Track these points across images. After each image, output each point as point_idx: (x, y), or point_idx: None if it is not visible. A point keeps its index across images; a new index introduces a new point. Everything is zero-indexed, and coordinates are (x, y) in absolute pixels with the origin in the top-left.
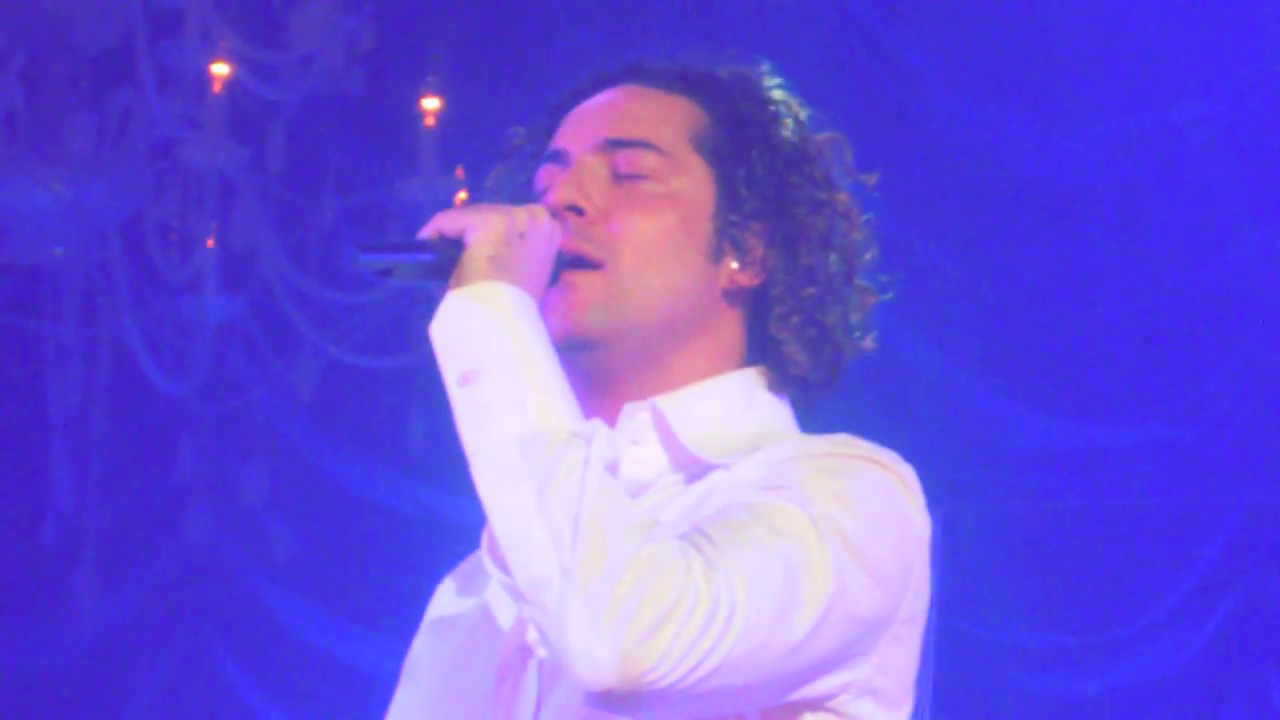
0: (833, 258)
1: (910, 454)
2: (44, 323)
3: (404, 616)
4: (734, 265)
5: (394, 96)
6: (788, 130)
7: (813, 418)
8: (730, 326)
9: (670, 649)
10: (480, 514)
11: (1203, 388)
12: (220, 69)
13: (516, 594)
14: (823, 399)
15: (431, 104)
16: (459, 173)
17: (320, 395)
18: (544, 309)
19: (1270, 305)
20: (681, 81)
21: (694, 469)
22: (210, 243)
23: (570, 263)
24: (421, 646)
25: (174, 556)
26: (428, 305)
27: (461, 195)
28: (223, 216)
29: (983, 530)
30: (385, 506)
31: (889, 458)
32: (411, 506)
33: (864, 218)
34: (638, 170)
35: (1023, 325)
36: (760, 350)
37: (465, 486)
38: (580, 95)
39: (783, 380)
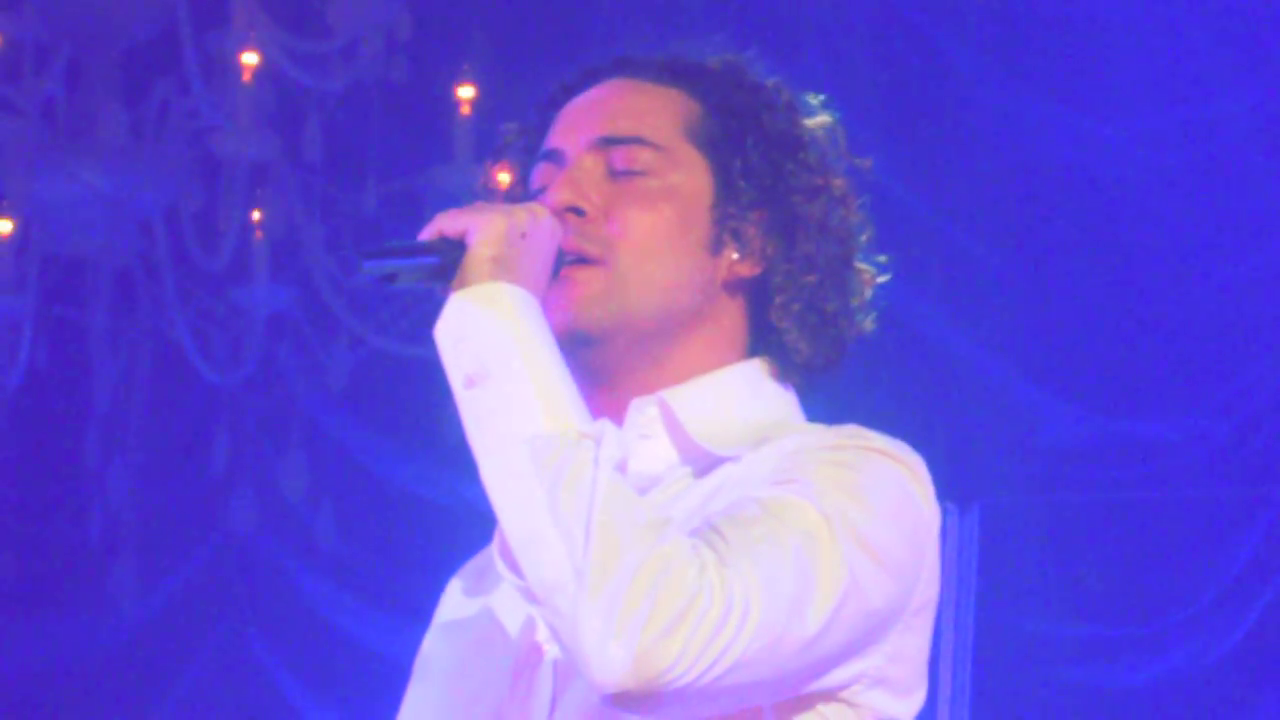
0: (830, 240)
1: (949, 447)
2: (88, 314)
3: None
4: (734, 256)
5: (429, 85)
6: (780, 117)
7: (842, 409)
8: (731, 317)
9: (686, 649)
10: None
11: (1240, 381)
12: (250, 58)
13: (530, 596)
14: (858, 392)
15: (467, 92)
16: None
17: (360, 386)
18: (545, 305)
19: None
20: (672, 72)
21: (703, 462)
22: (259, 234)
23: (571, 261)
24: (432, 645)
25: (212, 549)
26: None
27: (504, 177)
28: (258, 206)
29: (1020, 523)
30: (425, 498)
31: (897, 448)
32: (451, 498)
33: (860, 199)
34: (634, 167)
35: (1061, 318)
36: (762, 339)
37: None
38: (571, 90)
39: (785, 368)
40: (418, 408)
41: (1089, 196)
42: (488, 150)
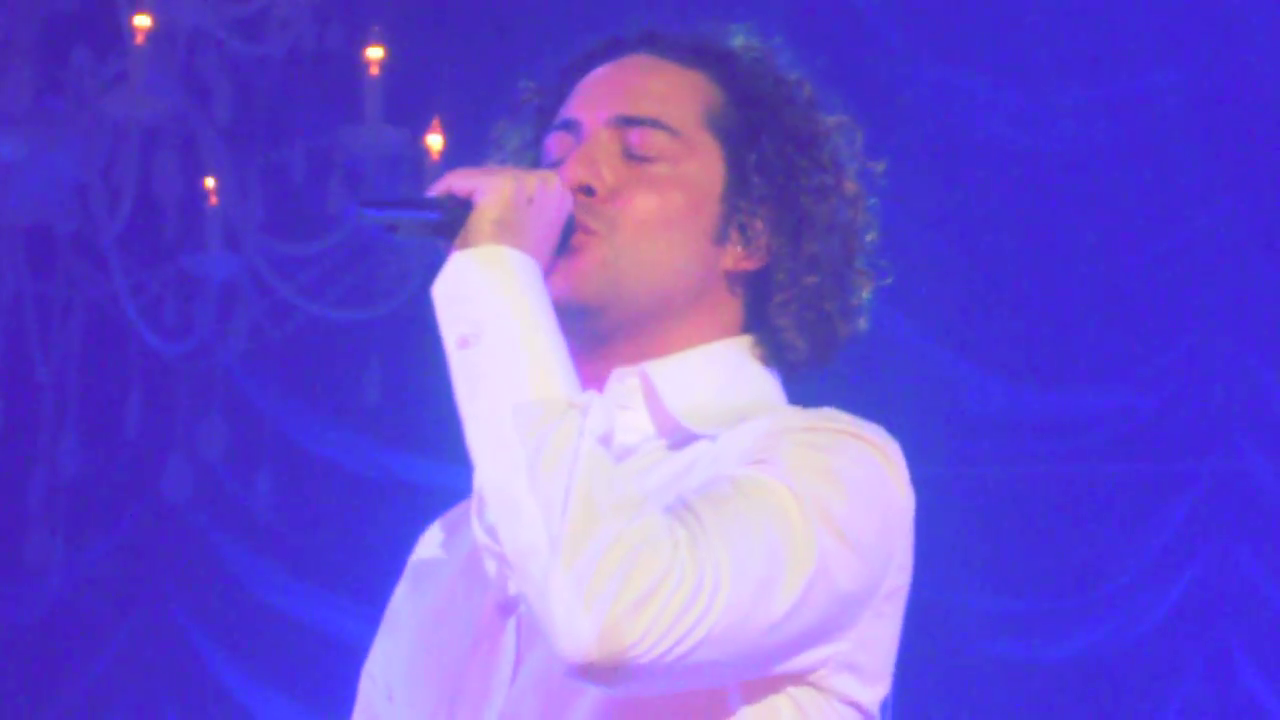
0: (835, 242)
1: (873, 418)
2: (29, 283)
3: (367, 580)
4: (738, 249)
5: (338, 45)
6: (800, 113)
7: (794, 385)
8: (729, 306)
9: (653, 624)
10: (449, 478)
11: (1166, 356)
12: (143, 21)
13: (503, 560)
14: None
15: (375, 53)
16: (435, 132)
17: (288, 355)
18: (548, 274)
19: (1234, 274)
20: (697, 55)
21: (679, 436)
22: (214, 200)
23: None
24: (402, 596)
25: (136, 519)
26: (389, 259)
27: (435, 142)
28: (152, 169)
29: (946, 496)
30: (350, 470)
31: (872, 432)
32: (377, 471)
33: (869, 202)
34: (649, 150)
35: (988, 291)
36: (757, 330)
37: (426, 449)
38: (595, 58)
39: (773, 354)
40: (339, 376)
41: (1015, 170)
42: (396, 110)
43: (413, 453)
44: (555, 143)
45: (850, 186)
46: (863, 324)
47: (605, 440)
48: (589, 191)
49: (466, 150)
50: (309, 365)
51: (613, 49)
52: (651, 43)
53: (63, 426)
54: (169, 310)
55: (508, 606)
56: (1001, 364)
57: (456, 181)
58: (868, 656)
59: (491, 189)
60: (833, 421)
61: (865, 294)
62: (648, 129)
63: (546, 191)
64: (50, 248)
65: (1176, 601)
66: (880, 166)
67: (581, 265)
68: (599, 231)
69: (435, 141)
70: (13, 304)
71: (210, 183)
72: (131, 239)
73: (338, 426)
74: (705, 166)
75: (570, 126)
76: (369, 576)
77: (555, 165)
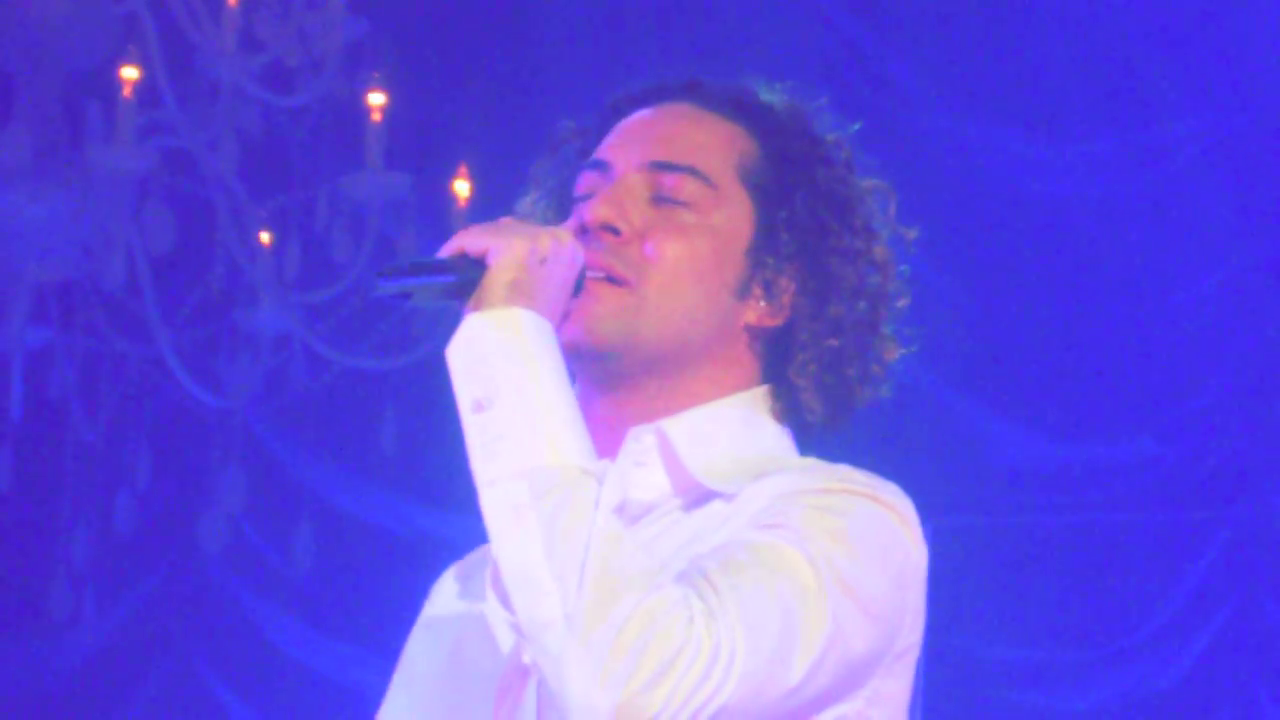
0: (861, 306)
1: (899, 470)
2: (73, 339)
3: (389, 632)
4: (761, 304)
5: (340, 92)
6: (835, 173)
7: (811, 440)
8: (746, 362)
9: (670, 699)
10: (467, 529)
11: (1190, 404)
12: (130, 73)
13: (519, 631)
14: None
15: (377, 99)
16: (462, 178)
17: (307, 408)
18: (565, 318)
19: (1258, 322)
20: (737, 107)
21: (696, 494)
22: (267, 241)
23: (598, 278)
24: (416, 648)
25: (164, 573)
26: (406, 311)
27: (462, 189)
28: (171, 224)
29: (971, 546)
30: (375, 525)
31: (886, 492)
32: (403, 527)
33: (899, 269)
34: (679, 197)
35: (1011, 341)
36: (773, 385)
37: (447, 501)
38: (636, 103)
39: (788, 410)
40: (361, 429)
41: (1038, 220)
42: (398, 157)
43: (434, 505)
44: (585, 180)
45: (881, 251)
46: (884, 391)
47: (620, 509)
48: (614, 231)
49: (494, 198)
50: (329, 417)
51: (655, 94)
52: (693, 92)
53: (94, 482)
54: (217, 366)
55: (527, 668)
56: (1025, 413)
57: (469, 241)
58: (880, 713)
59: (505, 249)
60: (847, 482)
61: (890, 360)
62: (681, 175)
63: (560, 250)
64: (74, 302)
65: (1203, 650)
66: (913, 233)
67: (600, 309)
68: (625, 278)
69: (462, 188)
70: (43, 358)
71: (266, 238)
72: (165, 294)
73: (359, 479)
74: (734, 218)
75: (601, 167)
76: (392, 629)
77: (581, 201)
